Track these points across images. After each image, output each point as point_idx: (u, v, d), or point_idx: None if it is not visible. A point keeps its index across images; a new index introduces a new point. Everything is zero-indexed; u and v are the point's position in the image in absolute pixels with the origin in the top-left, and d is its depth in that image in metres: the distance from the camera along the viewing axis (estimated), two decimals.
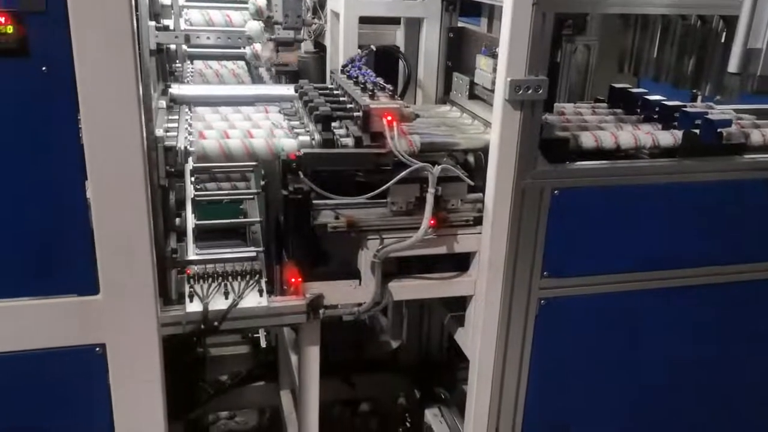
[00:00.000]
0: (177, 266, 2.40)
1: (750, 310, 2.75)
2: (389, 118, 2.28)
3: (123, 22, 1.66)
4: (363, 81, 2.51)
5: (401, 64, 3.03)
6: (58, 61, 1.66)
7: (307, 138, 2.34)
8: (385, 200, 2.33)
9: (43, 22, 1.62)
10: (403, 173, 2.25)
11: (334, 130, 2.36)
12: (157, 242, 2.09)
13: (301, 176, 2.25)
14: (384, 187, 2.26)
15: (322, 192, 2.25)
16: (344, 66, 2.78)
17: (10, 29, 1.60)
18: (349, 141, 2.31)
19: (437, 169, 2.27)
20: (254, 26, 2.78)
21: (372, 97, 2.39)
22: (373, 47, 2.83)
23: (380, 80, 2.51)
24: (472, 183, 2.39)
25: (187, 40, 2.63)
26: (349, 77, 2.67)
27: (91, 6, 1.63)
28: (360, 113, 2.30)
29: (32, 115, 1.72)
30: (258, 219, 2.67)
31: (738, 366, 2.85)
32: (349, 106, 2.47)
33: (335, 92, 2.68)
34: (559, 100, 3.28)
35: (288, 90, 2.84)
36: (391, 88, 2.47)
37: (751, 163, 2.52)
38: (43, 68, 1.66)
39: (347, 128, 2.36)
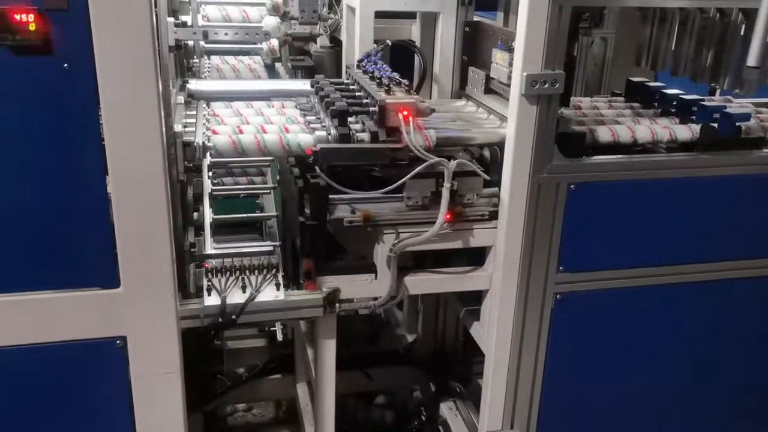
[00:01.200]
0: (195, 260, 2.43)
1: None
2: (405, 113, 2.29)
3: (143, 20, 1.68)
4: (379, 76, 2.52)
5: (417, 58, 3.03)
6: (80, 58, 1.69)
7: (323, 133, 2.35)
8: (401, 195, 2.34)
9: (65, 20, 1.65)
10: (419, 168, 2.26)
11: (350, 125, 2.37)
12: (176, 236, 2.12)
13: (318, 171, 2.26)
14: (400, 182, 2.27)
15: (339, 187, 2.27)
16: (360, 61, 2.79)
17: (32, 27, 1.63)
18: (365, 136, 2.32)
19: (453, 163, 2.27)
20: (271, 22, 2.79)
21: (388, 92, 2.40)
22: (388, 42, 2.84)
23: (396, 75, 2.51)
24: (487, 177, 2.39)
25: (205, 36, 2.65)
26: (365, 72, 2.68)
27: (112, 4, 1.65)
28: (376, 108, 2.31)
29: (54, 111, 1.75)
30: (274, 213, 2.70)
31: (755, 362, 2.83)
32: (365, 101, 2.48)
33: (351, 87, 2.68)
34: (575, 93, 3.27)
35: (304, 85, 2.86)
36: (406, 83, 2.47)
37: None
38: (65, 65, 1.69)
39: (363, 123, 2.37)
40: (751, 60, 2.02)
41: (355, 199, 2.32)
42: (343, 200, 2.31)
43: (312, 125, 2.44)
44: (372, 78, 2.59)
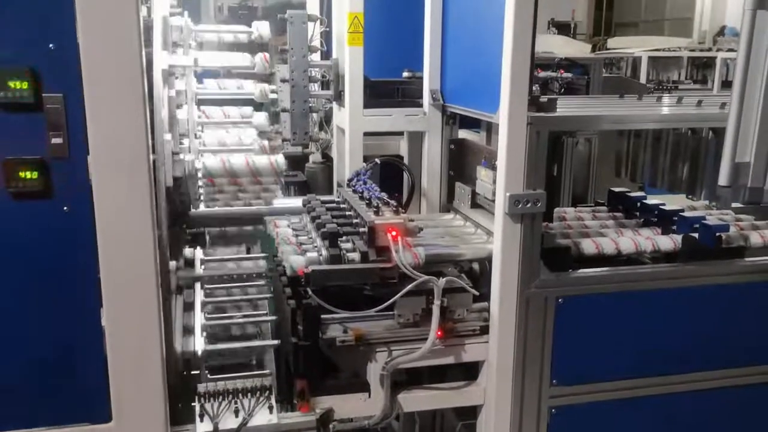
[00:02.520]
0: (188, 385, 2.42)
1: (759, 414, 2.72)
2: (394, 233, 2.35)
3: (141, 165, 1.78)
4: (368, 196, 2.61)
5: (405, 174, 3.14)
6: (79, 201, 1.77)
7: (314, 254, 2.40)
8: (392, 312, 2.37)
9: (66, 167, 1.75)
10: (409, 286, 2.30)
11: (341, 245, 2.43)
12: (170, 363, 2.13)
13: (310, 292, 2.30)
14: (390, 300, 2.30)
15: (331, 307, 2.30)
16: (350, 180, 2.88)
17: (35, 175, 1.71)
18: (356, 256, 2.36)
19: (442, 281, 2.32)
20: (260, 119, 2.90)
21: (377, 212, 2.47)
22: (377, 161, 2.95)
23: (384, 195, 2.59)
24: (477, 293, 2.43)
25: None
26: (355, 191, 2.76)
27: (111, 151, 1.75)
28: (365, 229, 2.38)
29: (54, 250, 1.81)
30: (271, 342, 2.71)
31: None
32: (355, 221, 2.55)
33: (342, 206, 2.76)
34: (563, 194, 3.34)
35: (298, 202, 2.93)
36: (394, 204, 2.55)
37: (752, 266, 2.56)
38: (65, 208, 1.77)
39: (354, 243, 2.42)
40: (722, 180, 2.11)
41: (348, 318, 2.35)
42: (335, 319, 2.34)
43: (304, 246, 2.50)
44: (362, 198, 2.67)
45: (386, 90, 3.36)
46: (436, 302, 2.31)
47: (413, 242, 2.49)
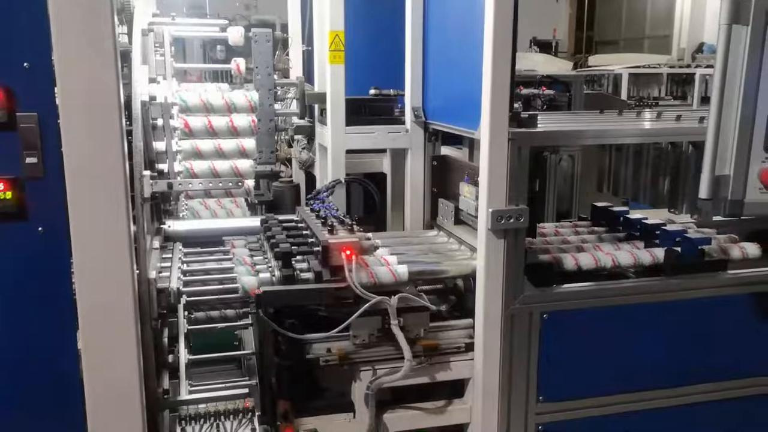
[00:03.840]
0: (169, 406, 2.37)
1: (744, 427, 2.71)
2: (348, 251, 2.29)
3: (117, 182, 1.75)
4: (324, 215, 2.57)
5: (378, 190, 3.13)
6: (54, 222, 1.74)
7: (267, 275, 2.34)
8: (348, 333, 2.30)
9: (41, 187, 1.72)
10: (363, 308, 2.23)
11: (295, 265, 2.35)
12: (149, 384, 2.09)
13: (260, 314, 2.23)
14: (345, 324, 2.24)
15: (281, 330, 2.23)
16: (308, 199, 2.84)
17: (9, 195, 1.68)
18: (310, 276, 2.30)
19: (394, 299, 2.26)
20: (244, 165, 2.87)
21: (331, 231, 2.42)
22: (341, 179, 2.93)
23: (340, 213, 2.55)
24: (435, 308, 2.39)
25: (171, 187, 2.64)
26: (312, 210, 2.73)
27: (88, 170, 1.72)
28: (319, 248, 2.32)
29: (28, 271, 1.77)
30: (251, 351, 2.67)
31: None
32: (310, 240, 2.49)
33: (299, 225, 2.71)
34: (547, 210, 3.33)
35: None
36: (350, 222, 2.50)
37: (734, 279, 2.57)
38: (40, 228, 1.73)
39: (309, 262, 2.35)
40: (703, 193, 2.12)
41: (332, 337, 2.31)
42: (319, 339, 2.31)
43: (257, 267, 2.44)
44: (318, 216, 2.63)
45: (353, 107, 3.36)
46: (393, 321, 2.27)
47: (398, 259, 2.48)
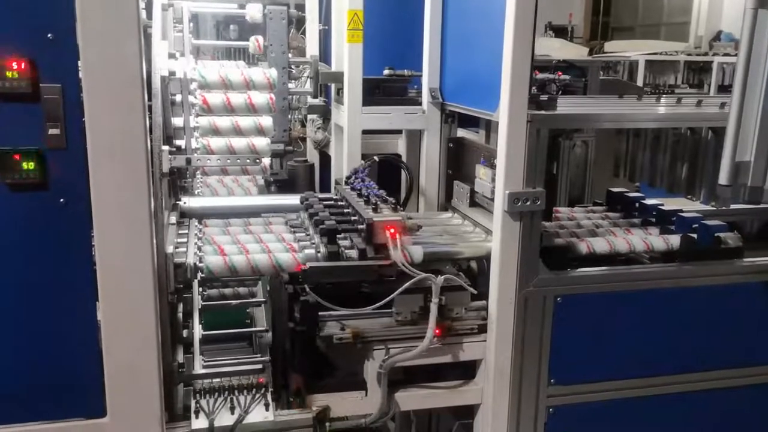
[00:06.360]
0: (183, 380, 2.40)
1: (755, 414, 2.71)
2: (392, 230, 2.34)
3: (138, 156, 1.76)
4: (366, 194, 2.59)
5: (403, 172, 3.13)
6: (75, 193, 1.75)
7: (312, 251, 2.39)
8: (390, 310, 2.36)
9: (63, 159, 1.72)
10: (407, 284, 2.29)
11: (339, 242, 2.42)
12: (164, 357, 2.11)
13: (307, 289, 2.29)
14: (388, 298, 2.29)
15: (327, 304, 2.29)
16: (348, 177, 2.87)
17: (32, 165, 1.69)
18: (354, 253, 2.36)
19: (440, 279, 2.31)
20: (261, 142, 2.87)
21: (375, 209, 2.46)
22: (376, 158, 2.94)
23: (383, 193, 2.58)
24: (475, 291, 2.42)
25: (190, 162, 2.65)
26: (353, 189, 2.75)
27: (109, 142, 1.73)
28: (364, 226, 2.37)
29: (49, 242, 1.79)
30: (264, 328, 2.69)
31: None
32: (353, 218, 2.54)
33: (340, 203, 2.76)
34: (560, 197, 3.34)
35: (294, 200, 2.91)
36: (393, 201, 2.54)
37: (750, 267, 2.56)
38: (61, 200, 1.75)
39: (351, 240, 2.42)
40: (723, 179, 2.10)
41: (345, 316, 2.33)
42: (333, 317, 2.33)
43: (301, 243, 2.49)
44: (360, 195, 2.66)
45: (367, 88, 3.35)
46: (434, 300, 2.30)
47: (412, 240, 2.48)
